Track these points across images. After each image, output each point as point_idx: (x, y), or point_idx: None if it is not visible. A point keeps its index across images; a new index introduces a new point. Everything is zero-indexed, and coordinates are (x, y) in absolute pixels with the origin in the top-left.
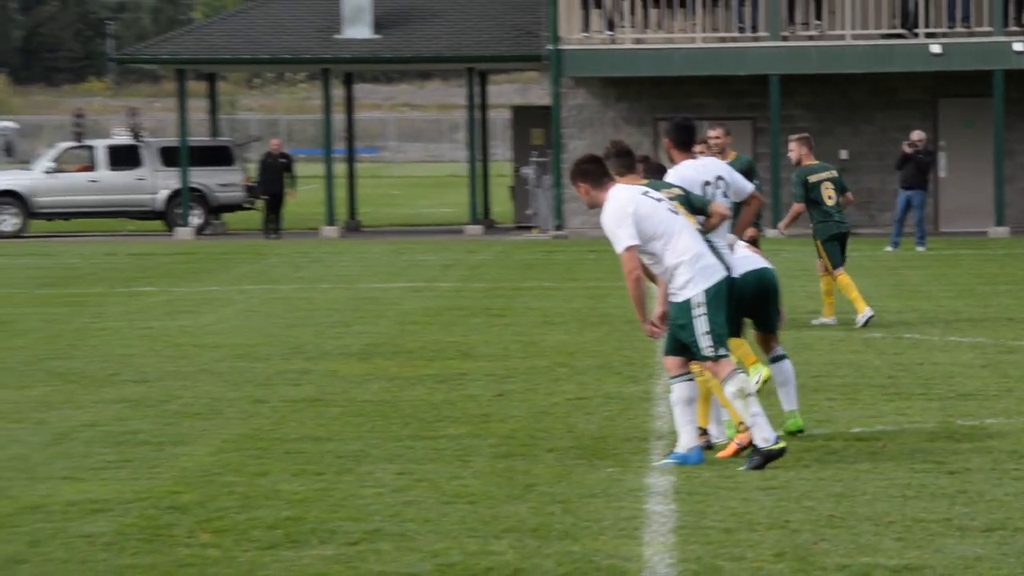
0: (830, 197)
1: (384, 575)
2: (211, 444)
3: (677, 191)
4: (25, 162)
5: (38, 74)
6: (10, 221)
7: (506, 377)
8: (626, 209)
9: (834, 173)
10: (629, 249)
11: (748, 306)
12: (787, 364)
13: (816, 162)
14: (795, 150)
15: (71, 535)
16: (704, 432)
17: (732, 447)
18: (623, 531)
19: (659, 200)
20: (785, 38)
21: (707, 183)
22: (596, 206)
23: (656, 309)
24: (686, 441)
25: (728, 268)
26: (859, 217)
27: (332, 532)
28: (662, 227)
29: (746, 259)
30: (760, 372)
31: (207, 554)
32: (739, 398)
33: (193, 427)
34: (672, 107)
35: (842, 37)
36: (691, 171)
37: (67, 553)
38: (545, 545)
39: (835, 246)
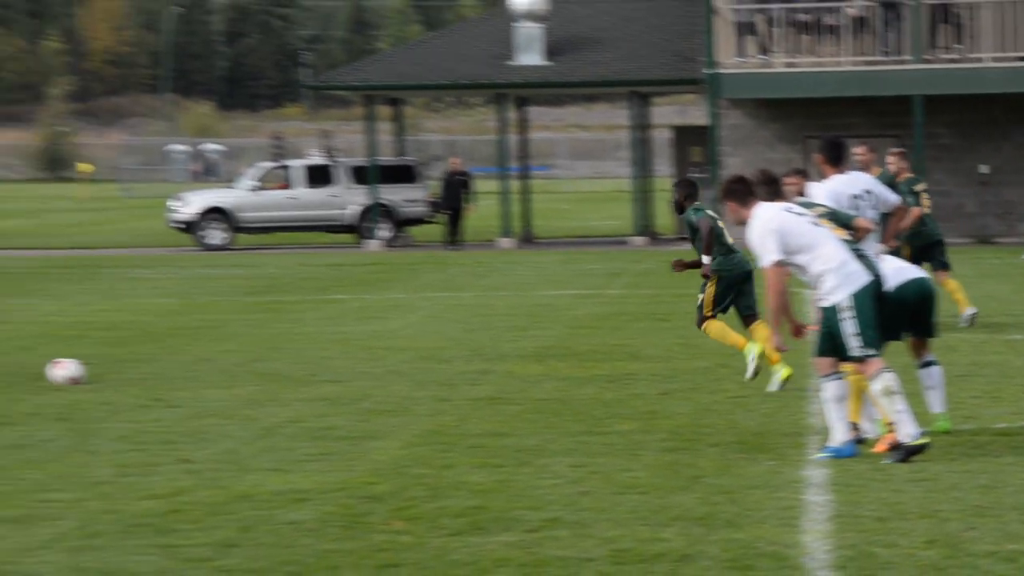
0: (928, 207)
1: (562, 560)
2: (401, 439)
3: (823, 209)
4: (229, 181)
5: (241, 101)
6: (218, 235)
7: (670, 377)
8: (770, 225)
9: (926, 185)
10: (774, 264)
11: (910, 315)
12: (936, 369)
13: (912, 175)
14: (894, 163)
15: (277, 522)
16: (855, 427)
17: (882, 444)
18: (783, 520)
19: (801, 214)
20: (927, 61)
21: (855, 196)
22: (742, 223)
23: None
24: (839, 436)
25: (877, 273)
26: (999, 227)
27: (513, 520)
28: (805, 239)
29: (903, 270)
30: (780, 371)
31: (400, 540)
32: (884, 396)
33: (385, 423)
34: (821, 126)
35: (981, 60)
36: (840, 185)
37: (274, 538)
38: (711, 533)
39: (920, 256)
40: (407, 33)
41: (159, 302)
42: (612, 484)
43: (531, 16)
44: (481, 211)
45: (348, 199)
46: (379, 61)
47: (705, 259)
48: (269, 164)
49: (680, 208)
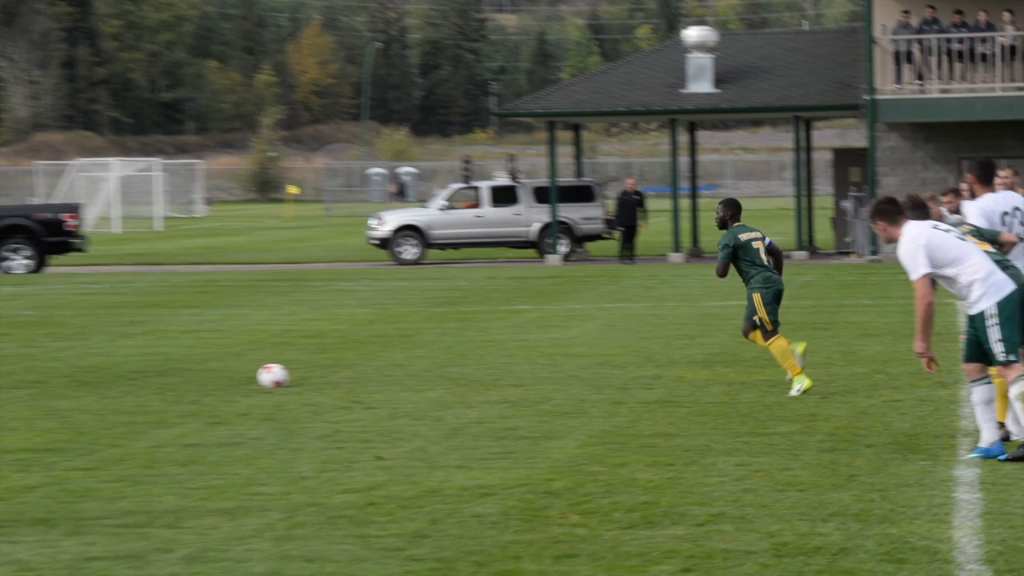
0: None
1: (726, 552)
2: (578, 439)
3: (968, 226)
4: (422, 201)
5: (433, 127)
6: (411, 251)
7: (829, 382)
8: (918, 242)
9: None
10: (922, 277)
11: None
12: None
13: None
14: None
15: (464, 515)
16: (1002, 426)
17: None
18: (935, 516)
19: (948, 231)
20: None
21: (1005, 213)
22: (892, 241)
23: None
24: (988, 437)
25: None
26: None
27: (681, 515)
28: (952, 253)
29: None
30: (803, 382)
31: (576, 532)
32: (1020, 400)
33: (563, 424)
34: (973, 148)
35: None
36: (991, 202)
37: (461, 530)
38: (866, 528)
39: None
40: (587, 64)
41: (358, 312)
42: (774, 482)
43: (702, 47)
44: (653, 228)
45: (531, 217)
46: (561, 90)
47: (719, 277)
48: (459, 185)
49: (723, 224)
